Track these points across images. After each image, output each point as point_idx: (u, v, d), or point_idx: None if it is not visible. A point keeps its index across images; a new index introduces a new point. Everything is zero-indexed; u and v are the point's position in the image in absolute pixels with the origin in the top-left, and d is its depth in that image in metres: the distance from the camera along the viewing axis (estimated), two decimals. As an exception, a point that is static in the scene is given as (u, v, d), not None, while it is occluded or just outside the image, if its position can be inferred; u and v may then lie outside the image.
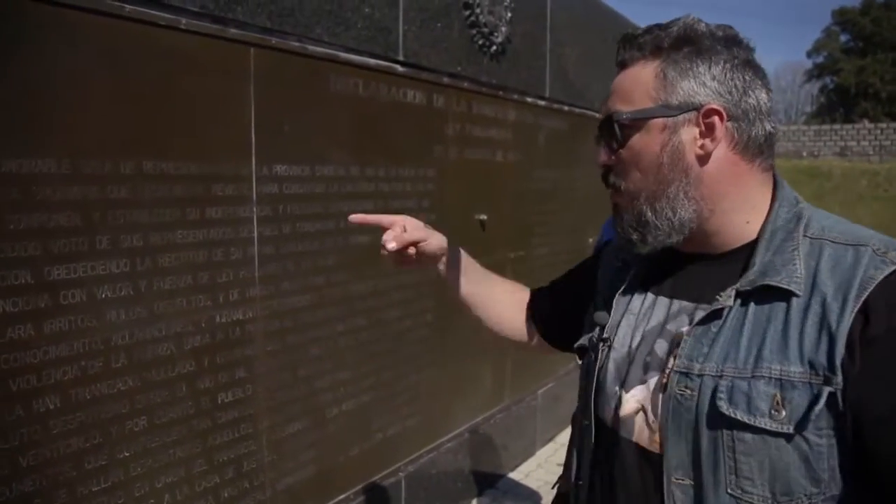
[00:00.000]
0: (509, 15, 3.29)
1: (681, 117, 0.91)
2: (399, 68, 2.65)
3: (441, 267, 1.27)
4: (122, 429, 1.74)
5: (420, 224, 1.20)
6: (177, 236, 1.84)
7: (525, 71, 3.59)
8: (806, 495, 0.82)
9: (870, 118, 26.60)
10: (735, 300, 0.88)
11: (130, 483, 1.77)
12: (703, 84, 0.90)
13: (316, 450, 2.37)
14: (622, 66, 0.97)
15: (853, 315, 0.79)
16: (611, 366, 1.00)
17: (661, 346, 0.95)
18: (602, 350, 1.02)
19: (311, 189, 2.27)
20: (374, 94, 2.53)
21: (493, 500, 3.42)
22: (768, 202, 0.94)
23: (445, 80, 2.93)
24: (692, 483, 0.88)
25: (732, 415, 0.84)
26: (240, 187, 2.02)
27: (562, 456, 3.39)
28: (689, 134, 0.91)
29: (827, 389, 0.79)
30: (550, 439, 4.17)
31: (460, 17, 2.99)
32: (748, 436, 0.83)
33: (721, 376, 0.86)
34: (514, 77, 3.46)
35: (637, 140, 0.93)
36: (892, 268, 0.81)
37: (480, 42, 3.13)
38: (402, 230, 1.15)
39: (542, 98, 3.82)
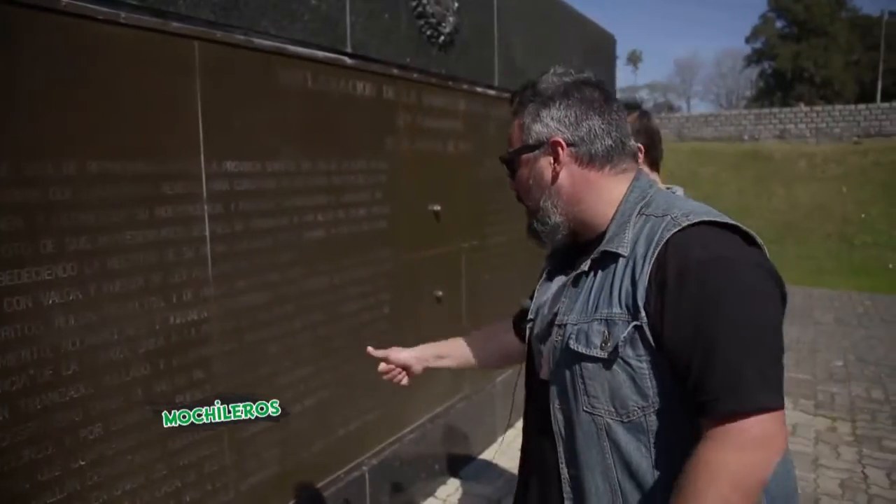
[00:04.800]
0: (456, 5, 3.29)
1: (536, 151, 1.23)
2: (348, 60, 2.62)
3: (434, 364, 1.76)
4: (76, 438, 1.69)
5: (400, 350, 1.76)
6: (126, 237, 1.79)
7: (474, 60, 3.60)
8: (639, 408, 1.09)
9: (805, 101, 27.55)
10: (590, 266, 1.18)
11: (87, 493, 1.72)
12: (547, 125, 1.22)
13: (279, 448, 2.34)
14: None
15: (650, 266, 1.07)
16: (535, 332, 1.33)
17: (555, 308, 1.26)
18: (529, 327, 1.35)
19: (262, 185, 2.24)
20: (323, 87, 2.50)
21: (456, 488, 3.44)
22: (623, 194, 1.20)
23: (395, 71, 2.92)
24: (563, 408, 1.19)
25: (577, 349, 1.14)
26: (189, 185, 1.98)
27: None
28: (544, 161, 1.23)
29: (633, 323, 1.07)
30: (511, 425, 4.22)
31: (407, 7, 2.98)
32: (589, 364, 1.12)
33: (576, 324, 1.16)
34: (463, 67, 3.47)
35: (518, 172, 1.28)
36: (677, 229, 1.07)
37: (429, 33, 3.12)
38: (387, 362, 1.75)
39: (492, 87, 3.83)
